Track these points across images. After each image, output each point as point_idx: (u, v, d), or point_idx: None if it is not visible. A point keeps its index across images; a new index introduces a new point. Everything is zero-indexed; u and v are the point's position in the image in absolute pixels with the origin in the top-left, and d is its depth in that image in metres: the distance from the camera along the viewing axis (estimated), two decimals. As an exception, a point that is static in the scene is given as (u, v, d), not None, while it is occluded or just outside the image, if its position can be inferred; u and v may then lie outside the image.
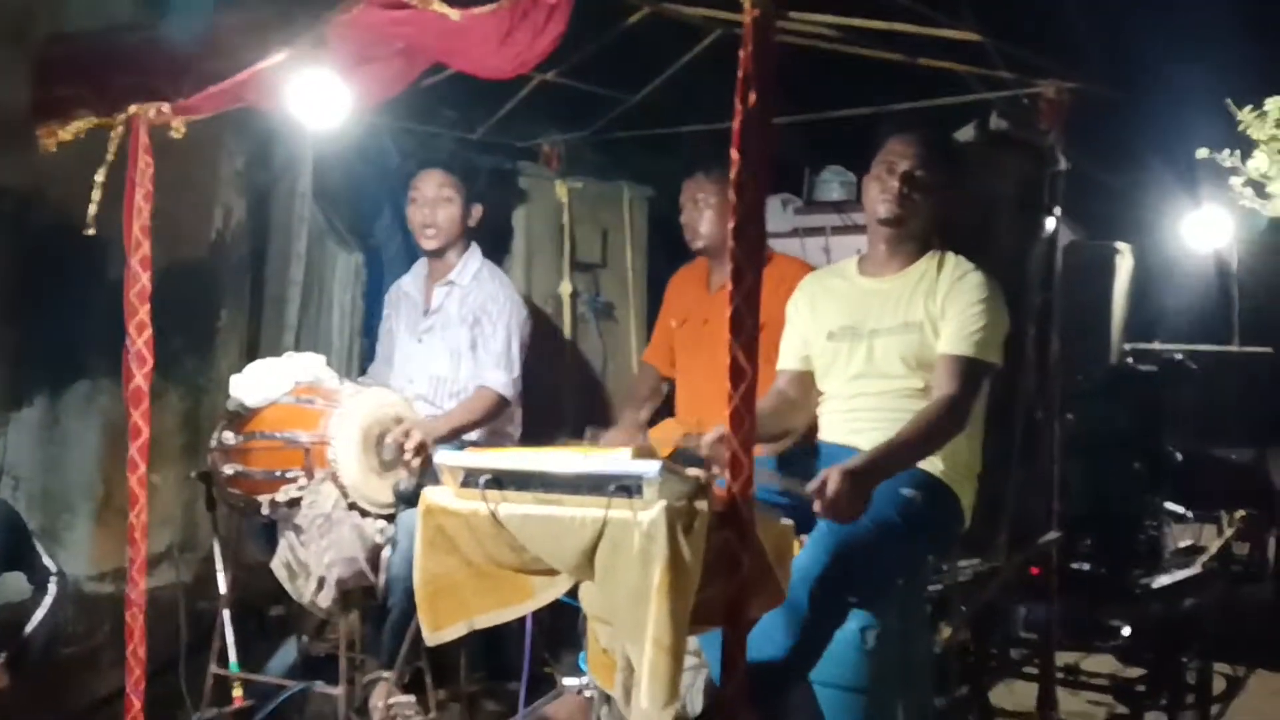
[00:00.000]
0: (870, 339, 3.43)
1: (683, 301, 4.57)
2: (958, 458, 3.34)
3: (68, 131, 3.51)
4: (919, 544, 3.29)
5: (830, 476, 2.78)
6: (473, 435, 4.27)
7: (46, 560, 3.72)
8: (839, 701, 3.13)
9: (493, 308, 4.37)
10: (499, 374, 4.30)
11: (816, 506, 2.80)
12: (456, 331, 4.40)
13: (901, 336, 3.39)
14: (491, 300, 4.38)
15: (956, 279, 3.39)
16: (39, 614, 3.64)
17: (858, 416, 3.42)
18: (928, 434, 3.19)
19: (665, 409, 4.60)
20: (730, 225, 2.41)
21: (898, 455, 3.10)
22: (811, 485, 2.82)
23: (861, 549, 3.00)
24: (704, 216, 4.32)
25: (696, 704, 3.15)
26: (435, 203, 4.43)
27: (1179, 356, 6.32)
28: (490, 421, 4.32)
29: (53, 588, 3.69)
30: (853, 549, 2.98)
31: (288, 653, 4.28)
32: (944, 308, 3.36)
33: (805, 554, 2.93)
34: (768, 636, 2.81)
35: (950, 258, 3.47)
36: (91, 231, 3.50)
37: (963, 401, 3.25)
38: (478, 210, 4.51)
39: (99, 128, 3.50)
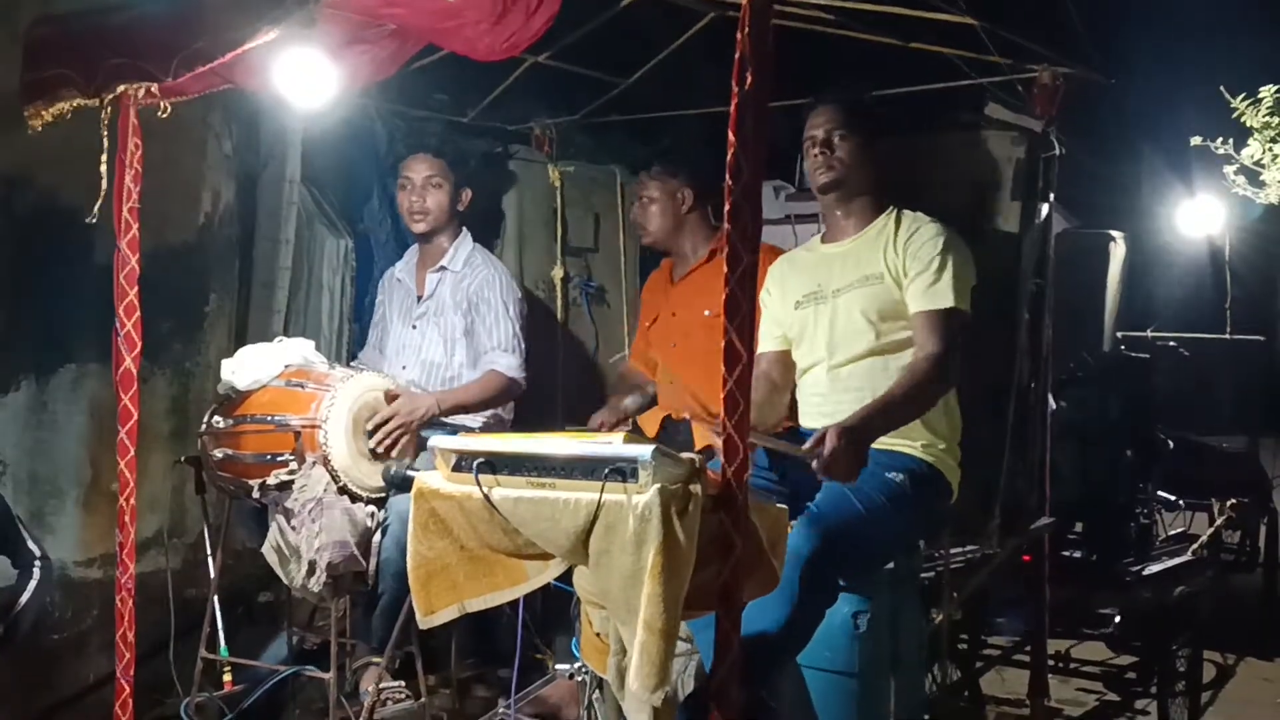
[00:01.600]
0: (834, 299, 3.46)
1: (652, 300, 4.63)
2: (936, 432, 3.35)
3: (53, 112, 3.48)
4: (907, 526, 3.30)
5: (827, 435, 2.79)
6: (467, 420, 4.25)
7: (31, 544, 3.69)
8: (830, 685, 3.13)
9: (489, 293, 4.36)
10: (509, 358, 4.30)
11: (814, 465, 2.81)
12: (451, 318, 4.39)
13: (861, 290, 3.41)
14: (488, 285, 4.37)
15: (913, 231, 3.42)
16: (23, 599, 3.61)
17: (828, 399, 3.43)
18: (917, 391, 3.21)
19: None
20: (726, 208, 2.40)
21: (890, 412, 3.13)
22: (808, 445, 2.83)
23: (850, 531, 3.01)
24: (649, 212, 4.42)
25: (687, 690, 3.15)
26: (424, 187, 4.41)
27: (1171, 344, 6.34)
28: (501, 404, 4.32)
29: (37, 572, 3.66)
30: (843, 530, 2.99)
31: (279, 647, 4.26)
32: (906, 263, 3.37)
33: (796, 535, 2.93)
34: (758, 617, 2.80)
35: (906, 213, 3.50)
36: (94, 220, 3.48)
37: (945, 356, 3.26)
38: (467, 194, 4.50)
39: (85, 108, 3.47)
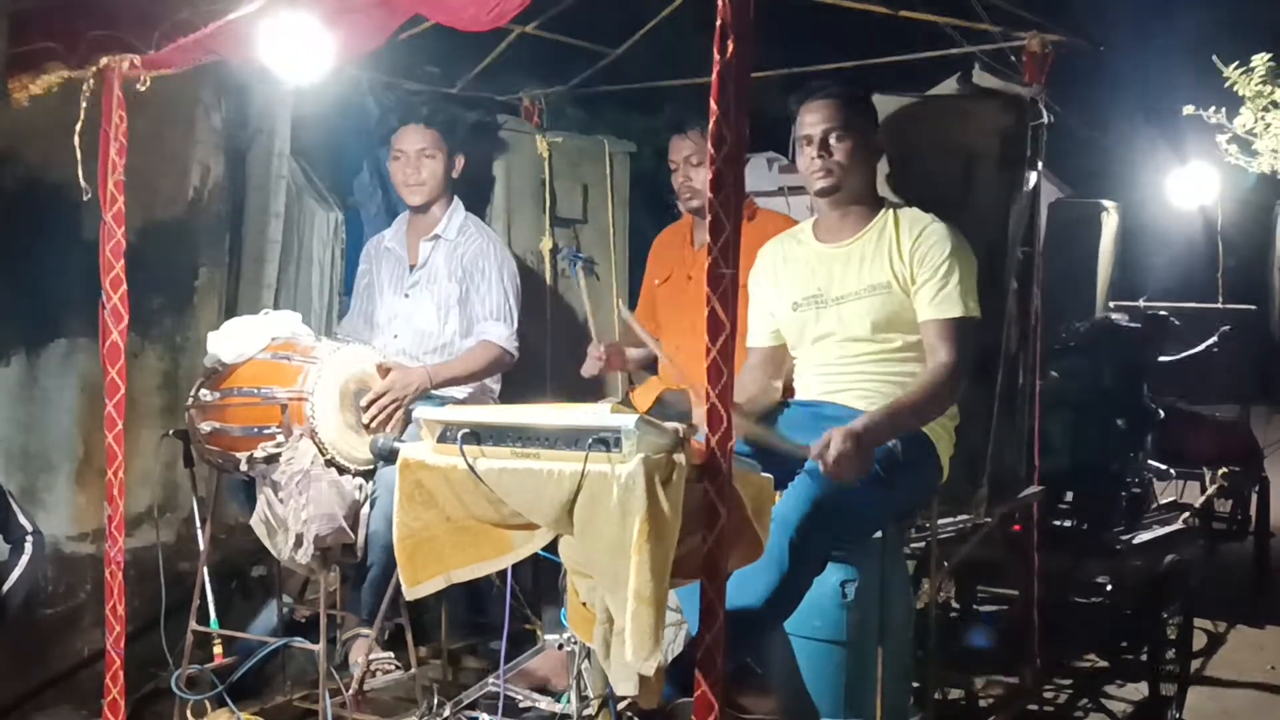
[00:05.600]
0: (837, 306, 3.43)
1: (666, 259, 4.55)
2: None
3: (39, 85, 3.48)
4: (897, 494, 3.29)
5: (834, 438, 2.82)
6: (454, 391, 4.25)
7: (22, 519, 3.70)
8: (819, 654, 3.14)
9: (484, 262, 4.34)
10: (500, 327, 4.29)
11: (821, 467, 2.82)
12: (445, 286, 4.37)
13: (868, 300, 3.38)
14: (482, 255, 4.36)
15: (918, 236, 3.38)
16: (15, 573, 3.62)
17: (832, 379, 3.43)
18: (929, 399, 3.22)
19: (649, 366, 4.59)
20: (708, 177, 2.40)
21: (900, 418, 3.13)
22: (815, 447, 2.84)
23: (840, 498, 3.01)
24: (698, 174, 4.22)
25: (677, 659, 3.16)
26: (418, 159, 4.39)
27: (1163, 313, 6.35)
28: (491, 375, 4.31)
29: (28, 547, 3.67)
30: (832, 498, 2.99)
31: (269, 616, 4.27)
32: (913, 270, 3.35)
33: (784, 502, 2.93)
34: (745, 584, 2.81)
35: (905, 213, 3.46)
36: (88, 196, 3.47)
37: (960, 364, 3.27)
38: (460, 161, 4.48)
39: (71, 81, 3.47)
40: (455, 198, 4.52)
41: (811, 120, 3.43)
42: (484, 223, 4.64)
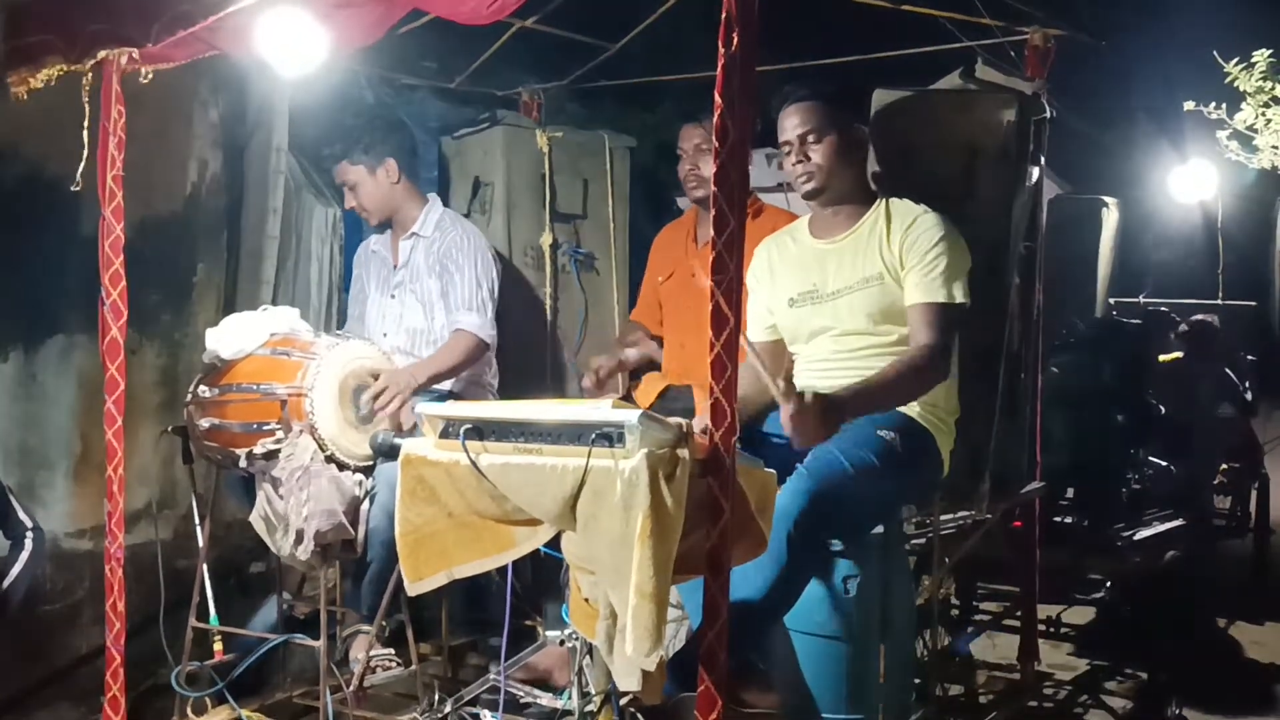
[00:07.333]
0: (832, 300, 3.42)
1: (669, 256, 4.54)
2: (936, 402, 3.34)
3: (38, 79, 3.45)
4: (896, 487, 3.29)
5: (805, 393, 2.79)
6: (452, 386, 4.23)
7: (22, 515, 3.69)
8: (820, 650, 3.13)
9: (456, 254, 4.32)
10: (472, 316, 4.26)
11: (784, 418, 2.80)
12: (426, 282, 4.36)
13: (863, 292, 3.38)
14: (455, 247, 4.33)
15: (908, 225, 3.37)
16: (15, 569, 3.61)
17: (829, 375, 3.41)
18: (907, 379, 3.20)
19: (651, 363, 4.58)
20: (712, 171, 2.39)
21: (876, 394, 3.12)
22: (786, 387, 2.81)
23: (839, 490, 3.00)
24: (708, 163, 4.17)
25: (678, 655, 3.15)
26: (350, 193, 4.38)
27: (1164, 310, 6.36)
28: (471, 365, 4.28)
29: (28, 543, 3.66)
30: (830, 491, 2.98)
31: (269, 612, 4.26)
32: (902, 257, 3.34)
33: (782, 496, 2.91)
34: (744, 579, 2.80)
35: (896, 204, 3.45)
36: (78, 187, 3.46)
37: (941, 348, 3.25)
38: (391, 166, 4.34)
39: (69, 75, 3.45)
40: (432, 196, 4.51)
41: (789, 125, 3.44)
42: (463, 218, 4.61)
